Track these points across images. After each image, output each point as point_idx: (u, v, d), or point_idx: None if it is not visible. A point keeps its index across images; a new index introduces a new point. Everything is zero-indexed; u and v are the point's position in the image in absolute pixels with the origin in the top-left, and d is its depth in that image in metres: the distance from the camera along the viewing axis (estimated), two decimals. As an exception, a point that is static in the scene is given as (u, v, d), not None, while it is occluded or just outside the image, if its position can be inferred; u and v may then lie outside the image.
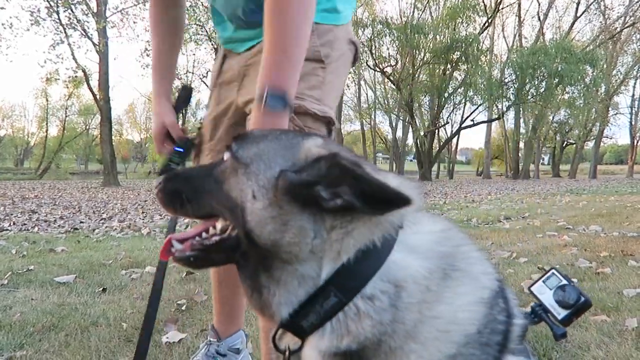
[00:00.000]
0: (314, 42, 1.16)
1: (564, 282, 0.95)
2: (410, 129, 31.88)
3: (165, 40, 1.46)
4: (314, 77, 1.18)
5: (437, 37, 25.71)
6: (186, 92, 1.47)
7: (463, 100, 28.97)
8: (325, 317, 0.70)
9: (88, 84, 19.53)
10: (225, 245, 0.77)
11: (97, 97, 18.81)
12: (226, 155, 0.79)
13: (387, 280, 0.70)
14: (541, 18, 32.75)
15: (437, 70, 26.96)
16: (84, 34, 18.09)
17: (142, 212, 8.02)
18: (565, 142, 41.65)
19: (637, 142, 37.40)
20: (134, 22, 25.82)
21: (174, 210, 0.84)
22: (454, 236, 0.80)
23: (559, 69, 22.86)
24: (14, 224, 6.21)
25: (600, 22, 33.12)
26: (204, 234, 0.80)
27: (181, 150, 1.34)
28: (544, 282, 0.98)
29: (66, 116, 43.10)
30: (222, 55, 1.41)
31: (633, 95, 36.13)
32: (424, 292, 0.70)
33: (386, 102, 36.82)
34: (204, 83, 24.96)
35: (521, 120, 33.08)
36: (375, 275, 0.70)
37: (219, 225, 0.79)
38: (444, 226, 0.81)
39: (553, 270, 0.99)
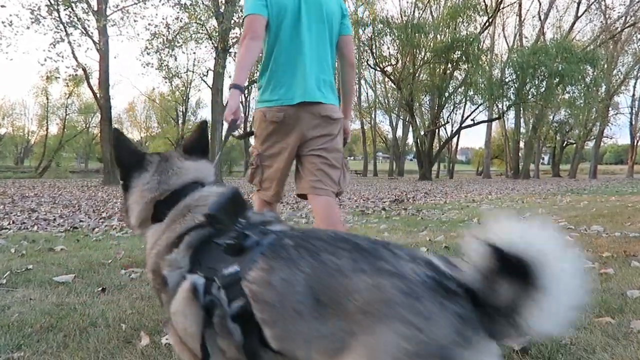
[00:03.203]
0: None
1: None
2: (411, 129, 31.86)
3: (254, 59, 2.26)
4: None
5: (438, 36, 25.64)
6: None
7: (463, 100, 28.88)
8: None
9: (88, 83, 19.46)
10: None
11: (98, 95, 18.74)
12: None
13: None
14: (542, 18, 32.73)
15: (438, 70, 26.89)
16: (85, 32, 17.96)
17: (142, 211, 7.98)
18: (566, 142, 41.60)
19: (637, 142, 37.33)
20: (135, 21, 25.61)
21: None
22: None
23: (560, 68, 22.78)
24: (13, 222, 6.19)
25: (601, 22, 33.05)
26: None
27: None
28: None
29: (66, 114, 43.03)
30: None
31: (633, 95, 36.06)
32: None
33: (386, 102, 36.81)
34: (204, 82, 24.89)
35: (521, 119, 33.04)
36: None
37: None
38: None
39: None
